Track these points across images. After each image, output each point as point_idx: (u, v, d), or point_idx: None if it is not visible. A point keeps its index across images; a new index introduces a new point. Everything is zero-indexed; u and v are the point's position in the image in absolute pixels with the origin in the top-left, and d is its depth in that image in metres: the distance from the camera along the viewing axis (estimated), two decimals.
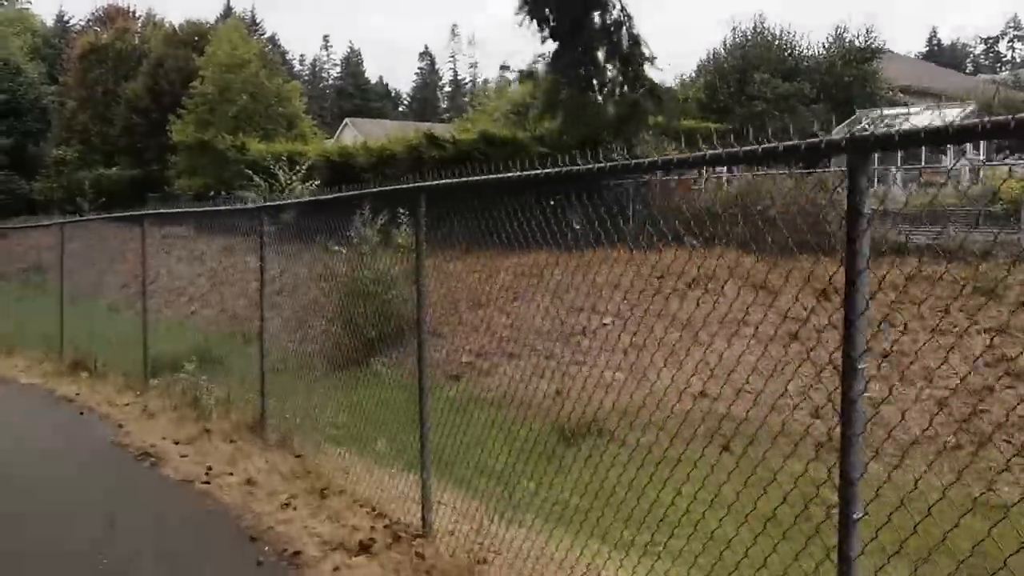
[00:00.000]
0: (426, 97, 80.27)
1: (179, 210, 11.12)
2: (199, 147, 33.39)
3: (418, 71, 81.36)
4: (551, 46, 19.76)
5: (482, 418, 6.30)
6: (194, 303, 23.36)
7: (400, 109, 78.94)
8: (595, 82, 19.67)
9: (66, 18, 59.48)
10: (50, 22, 59.30)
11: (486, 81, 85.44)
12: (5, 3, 57.19)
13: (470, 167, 5.14)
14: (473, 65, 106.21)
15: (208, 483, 6.42)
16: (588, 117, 19.02)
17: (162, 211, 10.88)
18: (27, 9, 58.66)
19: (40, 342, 13.18)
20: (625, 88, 19.24)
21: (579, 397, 9.79)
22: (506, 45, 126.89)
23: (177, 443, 7.52)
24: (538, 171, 4.03)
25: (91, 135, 42.08)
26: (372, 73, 79.79)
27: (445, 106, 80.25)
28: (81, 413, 9.05)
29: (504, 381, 17.08)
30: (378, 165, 24.41)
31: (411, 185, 5.15)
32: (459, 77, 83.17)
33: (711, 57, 30.46)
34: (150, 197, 31.71)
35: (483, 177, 4.60)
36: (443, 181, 4.93)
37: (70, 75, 44.83)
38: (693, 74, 31.10)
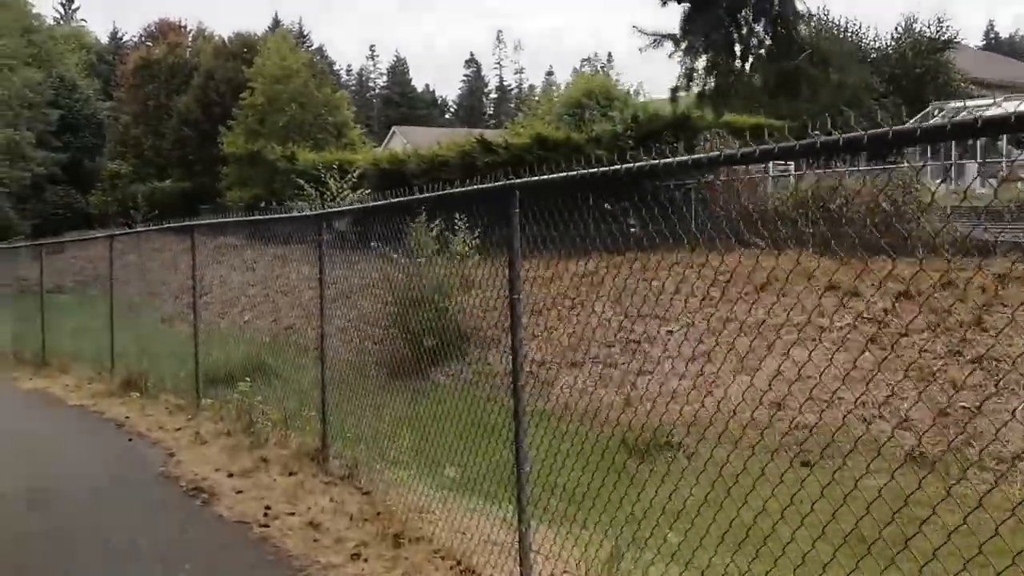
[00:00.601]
0: (472, 104, 79.81)
1: (236, 219, 10.50)
2: (249, 158, 33.15)
3: (464, 78, 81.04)
4: (676, 9, 18.05)
5: (546, 433, 5.41)
6: (247, 312, 22.89)
7: (446, 116, 78.58)
8: (738, 48, 17.64)
9: (120, 35, 60.14)
10: (104, 39, 60.04)
11: (532, 87, 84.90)
12: (62, 21, 58.05)
13: (525, 172, 4.62)
14: (519, 71, 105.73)
15: (267, 526, 5.65)
16: (736, 87, 17.07)
17: (215, 220, 10.25)
18: (83, 26, 59.45)
19: (92, 358, 12.68)
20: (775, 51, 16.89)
21: (649, 408, 9.51)
22: (551, 51, 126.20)
23: (231, 475, 6.78)
24: (648, 160, 3.42)
25: (144, 149, 42.29)
26: (418, 82, 79.55)
27: (491, 112, 79.72)
28: (130, 439, 8.39)
29: (567, 392, 16.21)
30: (430, 172, 23.78)
31: (503, 183, 4.33)
32: (505, 83, 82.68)
33: None
34: (202, 209, 31.52)
35: (592, 170, 3.77)
36: (542, 177, 4.11)
37: (124, 90, 45.17)
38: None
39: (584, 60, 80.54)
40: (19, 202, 39.83)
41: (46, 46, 48.03)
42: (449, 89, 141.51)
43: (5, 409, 9.94)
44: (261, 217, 10.33)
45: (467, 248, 19.78)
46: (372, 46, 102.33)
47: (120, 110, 45.24)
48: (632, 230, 6.82)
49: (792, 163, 17.59)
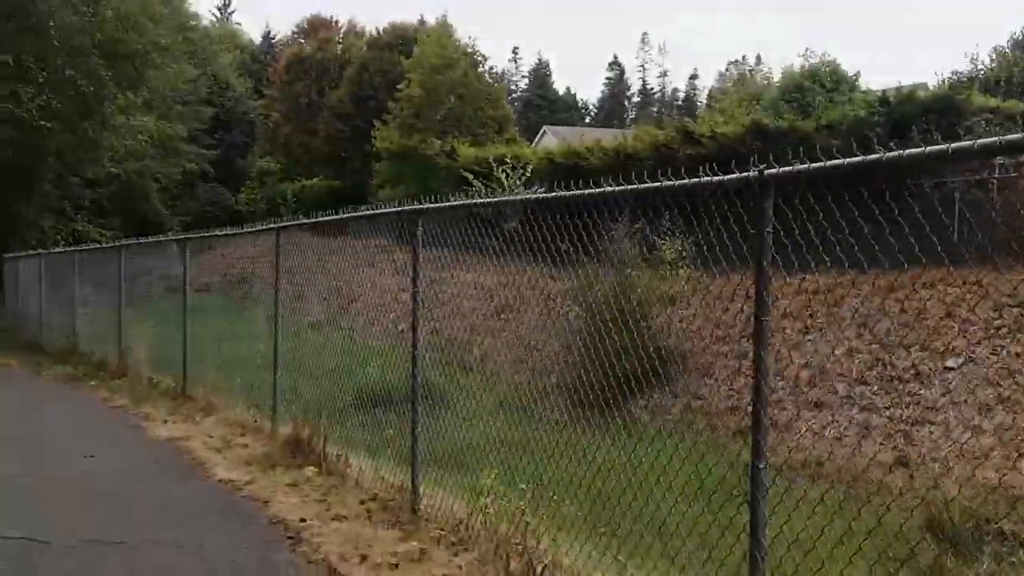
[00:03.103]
0: (613, 108, 75.56)
1: (458, 203, 6.70)
2: (403, 154, 30.05)
3: (606, 80, 76.81)
4: None
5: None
6: (401, 322, 19.25)
7: (586, 121, 74.77)
8: None
9: (272, 34, 59.11)
10: (257, 39, 59.17)
11: (676, 90, 79.90)
12: (217, 24, 57.48)
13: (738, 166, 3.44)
14: (663, 74, 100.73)
15: None
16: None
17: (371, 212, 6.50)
18: (238, 26, 58.78)
19: (244, 389, 9.25)
20: None
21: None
22: (695, 52, 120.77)
23: None
24: None
25: (293, 147, 40.23)
26: (559, 85, 75.96)
27: (633, 116, 75.40)
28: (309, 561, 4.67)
29: (811, 440, 11.92)
30: (615, 167, 19.69)
31: (752, 173, 3.11)
32: (648, 86, 77.93)
33: None
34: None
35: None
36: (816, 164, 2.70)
37: (275, 88, 43.42)
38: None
39: (731, 62, 75.09)
40: (171, 199, 38.34)
41: (202, 44, 46.96)
42: (588, 92, 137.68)
43: (125, 483, 6.42)
44: (468, 201, 6.47)
45: (677, 256, 15.44)
46: (515, 48, 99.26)
47: (271, 108, 43.45)
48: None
49: None
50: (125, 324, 12.25)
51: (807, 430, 11.81)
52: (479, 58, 32.54)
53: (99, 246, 14.40)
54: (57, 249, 16.81)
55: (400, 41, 34.90)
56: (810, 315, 14.23)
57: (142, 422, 8.76)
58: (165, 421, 8.71)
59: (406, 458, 5.71)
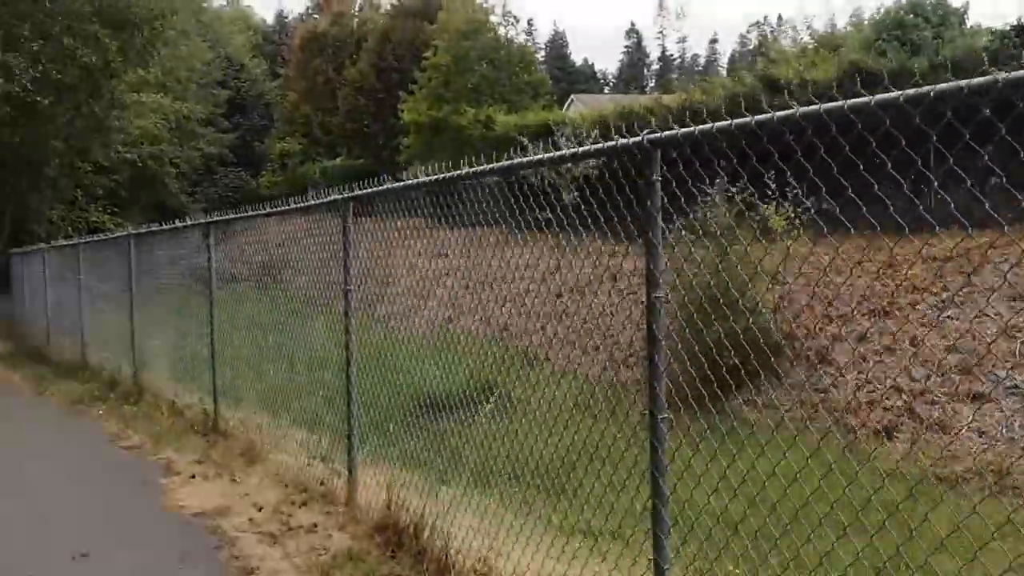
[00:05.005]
0: (633, 76, 72.02)
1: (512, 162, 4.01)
2: (433, 126, 27.23)
3: (624, 49, 73.18)
4: None
5: None
6: (444, 309, 16.62)
7: (605, 91, 71.53)
8: None
9: (284, 14, 56.10)
10: (270, 19, 56.27)
11: (696, 56, 76.27)
12: (227, 4, 54.54)
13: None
14: (682, 40, 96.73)
15: None
16: None
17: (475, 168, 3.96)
18: (249, 7, 55.84)
19: (298, 419, 6.65)
20: None
21: None
22: (715, 16, 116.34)
23: None
24: None
25: (313, 127, 37.48)
26: (576, 56, 72.49)
27: (652, 84, 72.05)
28: None
29: (977, 444, 8.86)
30: (684, 126, 16.84)
31: None
32: (668, 53, 74.30)
33: None
34: None
35: None
36: None
37: (291, 67, 40.65)
38: None
39: (752, 25, 71.45)
40: (190, 185, 35.76)
41: (214, 26, 44.20)
42: (606, 62, 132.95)
43: None
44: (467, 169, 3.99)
45: (789, 224, 12.55)
46: (530, 20, 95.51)
47: (287, 88, 40.68)
48: None
49: None
50: (139, 332, 9.65)
51: (965, 429, 9.14)
52: (511, 19, 29.62)
53: (104, 237, 11.76)
54: (59, 242, 14.19)
55: (423, 7, 31.92)
56: (943, 287, 11.51)
57: (161, 478, 6.14)
58: (192, 477, 6.09)
59: None
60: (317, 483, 5.51)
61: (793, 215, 11.05)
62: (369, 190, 5.36)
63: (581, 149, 3.51)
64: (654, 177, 3.02)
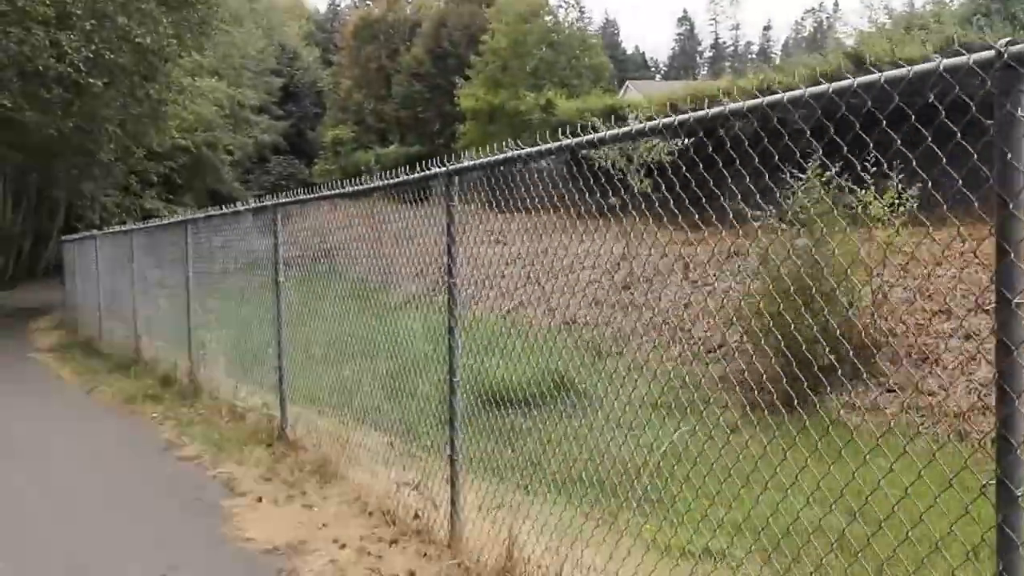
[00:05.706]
0: (685, 64, 70.13)
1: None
2: (490, 112, 26.20)
3: (676, 36, 71.28)
4: None
5: None
6: (507, 298, 15.58)
7: (656, 79, 69.80)
8: None
9: (337, 2, 55.53)
10: (323, 8, 55.76)
11: (749, 43, 73.97)
12: None
13: None
14: (735, 27, 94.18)
15: None
16: None
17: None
18: None
19: (389, 426, 5.67)
20: None
21: None
22: (770, 3, 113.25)
23: None
24: None
25: (365, 114, 36.73)
26: (628, 44, 70.80)
27: (704, 72, 70.08)
28: None
29: None
30: (757, 108, 15.52)
31: None
32: (720, 40, 72.10)
33: None
34: None
35: None
36: None
37: (344, 54, 39.95)
38: None
39: (807, 11, 68.89)
40: (243, 173, 35.32)
41: (268, 15, 43.79)
42: (658, 51, 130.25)
43: None
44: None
45: (894, 212, 11.00)
46: (582, 7, 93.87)
47: (340, 75, 39.99)
48: None
49: None
50: (195, 325, 8.79)
51: None
52: (570, 1, 28.38)
53: (159, 223, 10.94)
54: (112, 228, 13.47)
55: None
56: None
57: (222, 499, 5.21)
58: (259, 499, 5.13)
59: None
60: (409, 515, 4.51)
61: (896, 201, 9.74)
62: (476, 161, 4.35)
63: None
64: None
